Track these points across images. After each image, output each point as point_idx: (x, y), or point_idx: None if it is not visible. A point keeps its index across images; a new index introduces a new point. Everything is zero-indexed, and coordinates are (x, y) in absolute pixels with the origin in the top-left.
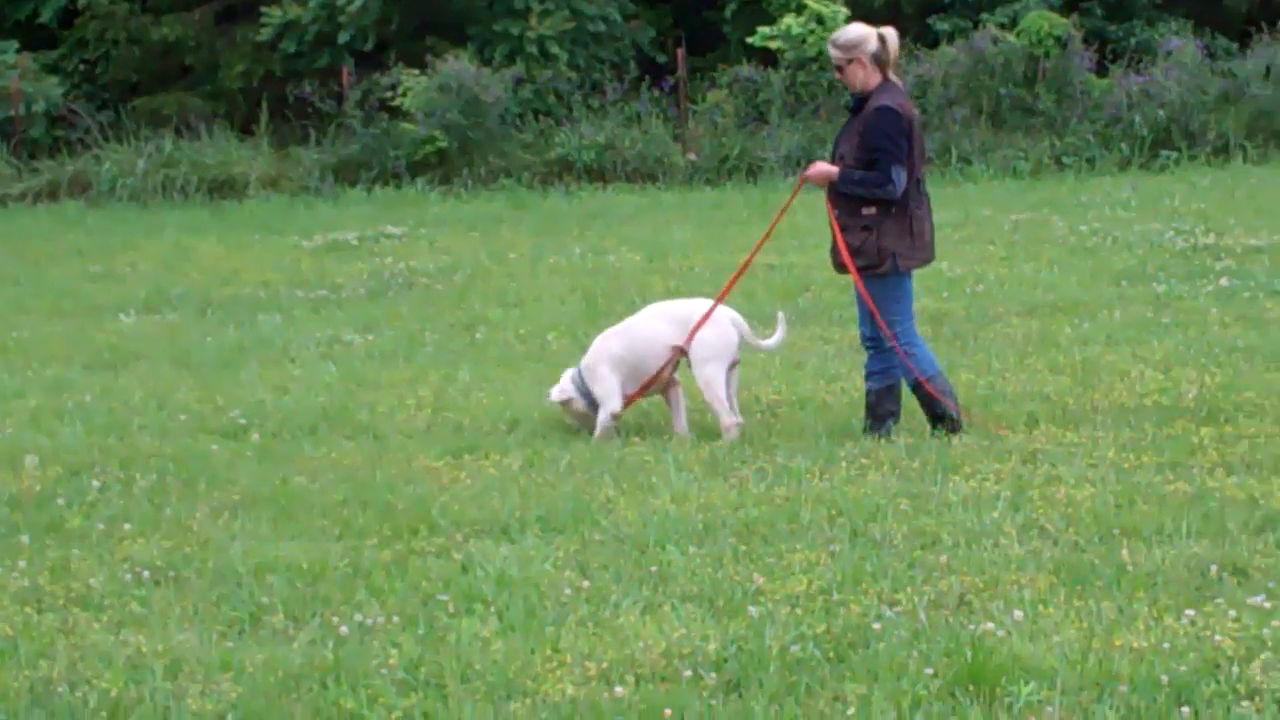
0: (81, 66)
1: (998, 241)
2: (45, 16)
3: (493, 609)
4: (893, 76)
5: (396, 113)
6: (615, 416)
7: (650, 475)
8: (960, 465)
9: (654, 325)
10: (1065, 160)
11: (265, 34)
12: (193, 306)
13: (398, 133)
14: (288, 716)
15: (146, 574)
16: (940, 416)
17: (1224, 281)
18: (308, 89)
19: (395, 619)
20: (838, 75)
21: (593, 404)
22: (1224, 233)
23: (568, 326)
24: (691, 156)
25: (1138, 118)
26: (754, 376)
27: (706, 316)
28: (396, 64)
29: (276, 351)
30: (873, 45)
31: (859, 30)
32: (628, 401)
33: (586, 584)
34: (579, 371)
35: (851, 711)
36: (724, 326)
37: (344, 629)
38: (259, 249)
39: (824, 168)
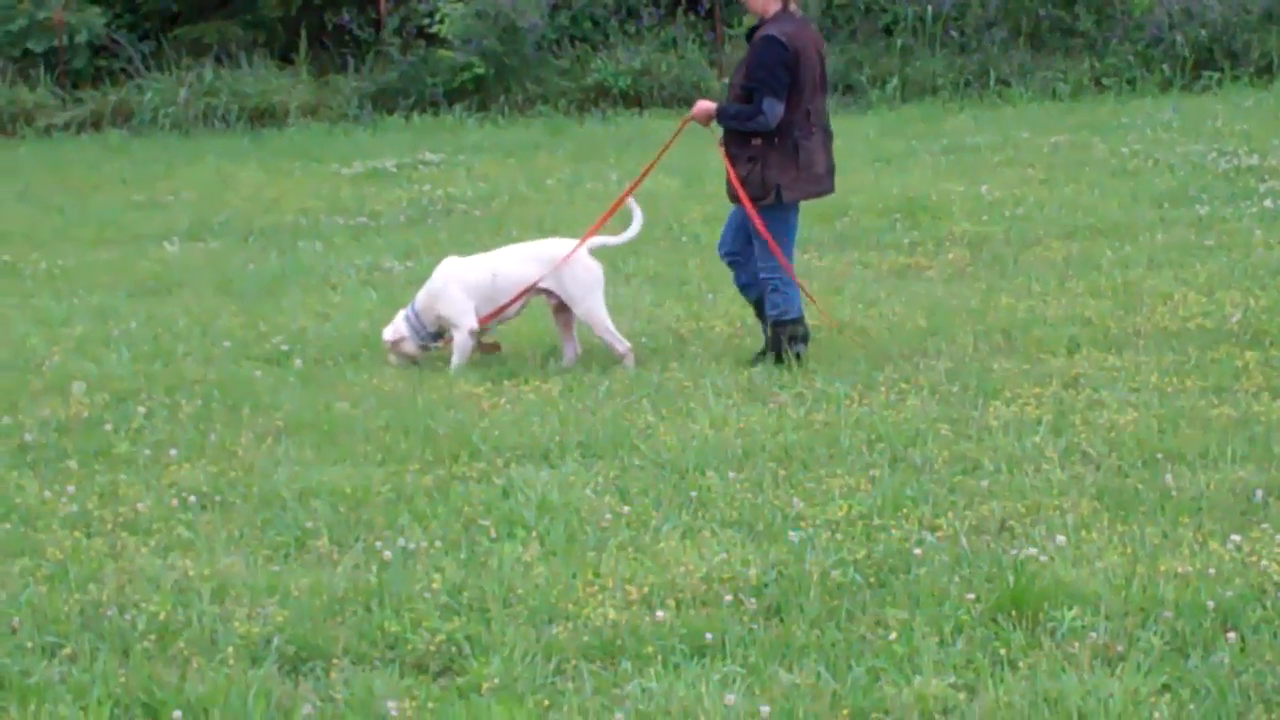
0: None
1: (1037, 164)
2: None
3: (534, 534)
4: (793, 7)
5: (434, 40)
6: (473, 334)
7: (689, 400)
8: (1000, 390)
9: (521, 264)
10: (1105, 81)
11: None
12: (234, 234)
13: (435, 60)
14: (332, 640)
15: (193, 499)
16: (779, 357)
17: (1268, 203)
18: (346, 17)
19: (437, 543)
20: None
21: (423, 344)
22: (1268, 154)
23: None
24: (726, 81)
25: (1179, 37)
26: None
27: (569, 255)
28: None
29: (317, 278)
30: None
31: None
32: (481, 323)
33: (626, 509)
34: (413, 309)
35: (893, 636)
36: (589, 261)
37: (387, 553)
38: (299, 177)
39: (705, 105)
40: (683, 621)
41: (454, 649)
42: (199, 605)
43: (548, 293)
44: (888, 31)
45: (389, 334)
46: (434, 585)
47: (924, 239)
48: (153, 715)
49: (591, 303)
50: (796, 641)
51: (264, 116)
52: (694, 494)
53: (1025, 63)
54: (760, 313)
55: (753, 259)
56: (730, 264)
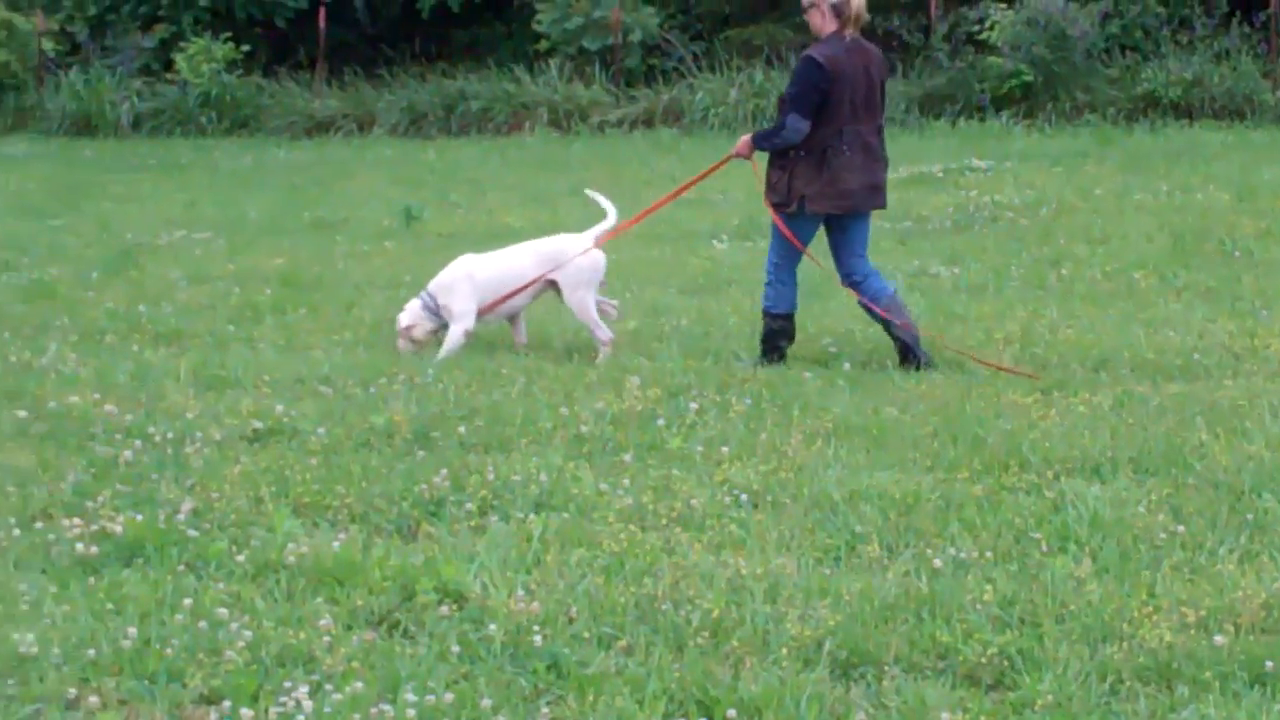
0: None
1: None
2: None
3: (1086, 549)
4: (849, 31)
5: (982, 46)
6: (468, 334)
7: (1244, 419)
8: None
9: (521, 260)
10: None
11: None
12: None
13: (984, 66)
14: (884, 646)
15: (744, 497)
16: (775, 350)
17: None
18: (895, 22)
19: (988, 554)
20: (804, 16)
21: (435, 329)
22: None
23: (1155, 265)
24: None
25: None
26: None
27: (583, 252)
28: None
29: None
30: None
31: None
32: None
33: (1181, 529)
34: (429, 294)
35: None
36: (596, 253)
37: (937, 562)
38: None
39: (745, 139)
40: (1242, 648)
41: (1006, 663)
42: (751, 604)
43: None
44: None
45: (405, 319)
46: (985, 597)
47: None
48: (707, 713)
49: (583, 294)
50: None
51: None
52: (1250, 516)
53: None
54: (888, 329)
55: (871, 274)
56: (850, 287)
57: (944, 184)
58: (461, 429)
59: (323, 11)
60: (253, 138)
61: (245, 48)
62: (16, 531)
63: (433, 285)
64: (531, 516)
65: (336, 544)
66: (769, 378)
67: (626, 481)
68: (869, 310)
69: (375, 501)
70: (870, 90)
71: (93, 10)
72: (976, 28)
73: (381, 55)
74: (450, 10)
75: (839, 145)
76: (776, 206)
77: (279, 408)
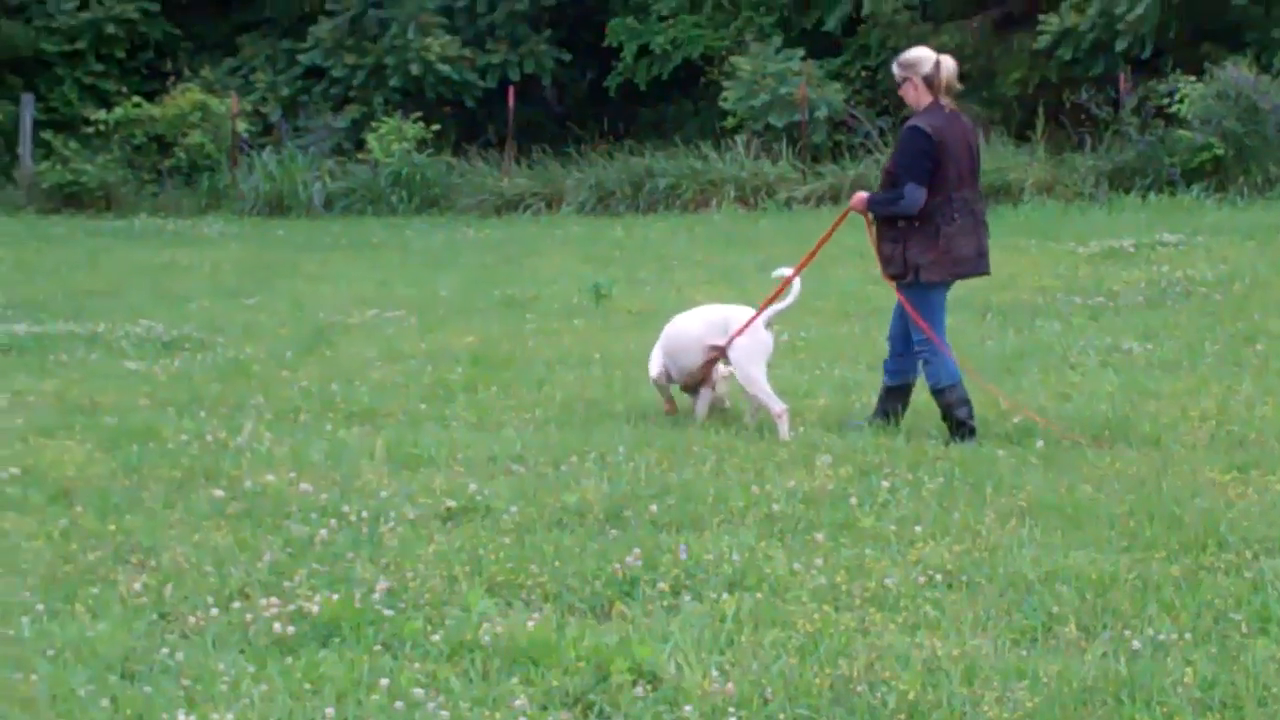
0: (863, 73)
1: None
2: (829, 24)
3: None
4: (944, 100)
5: (1172, 119)
6: (654, 382)
7: None
8: None
9: (693, 327)
10: None
11: (1042, 41)
12: (972, 309)
13: (1173, 140)
14: None
15: (939, 577)
16: (959, 423)
17: None
18: (1084, 95)
19: (1187, 636)
20: (899, 92)
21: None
22: None
23: None
24: None
25: None
26: None
27: (746, 326)
28: (1173, 70)
29: (1056, 358)
30: (926, 68)
31: (918, 52)
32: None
33: None
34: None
35: None
36: (760, 332)
37: (1136, 643)
38: (1035, 254)
39: (860, 195)
40: None
41: None
42: (948, 686)
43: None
44: None
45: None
46: (1185, 679)
47: None
48: None
49: (754, 370)
50: None
51: (999, 193)
52: None
53: None
54: (892, 393)
55: (905, 345)
56: (889, 346)
57: (1135, 259)
58: (653, 507)
59: (511, 91)
60: (443, 216)
61: (435, 127)
62: (214, 611)
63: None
64: (725, 596)
65: (531, 623)
66: (961, 456)
67: (820, 561)
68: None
69: (569, 580)
70: (972, 158)
71: (285, 92)
72: (1166, 101)
73: (569, 133)
74: (637, 88)
75: (950, 213)
76: (895, 279)
77: (472, 486)
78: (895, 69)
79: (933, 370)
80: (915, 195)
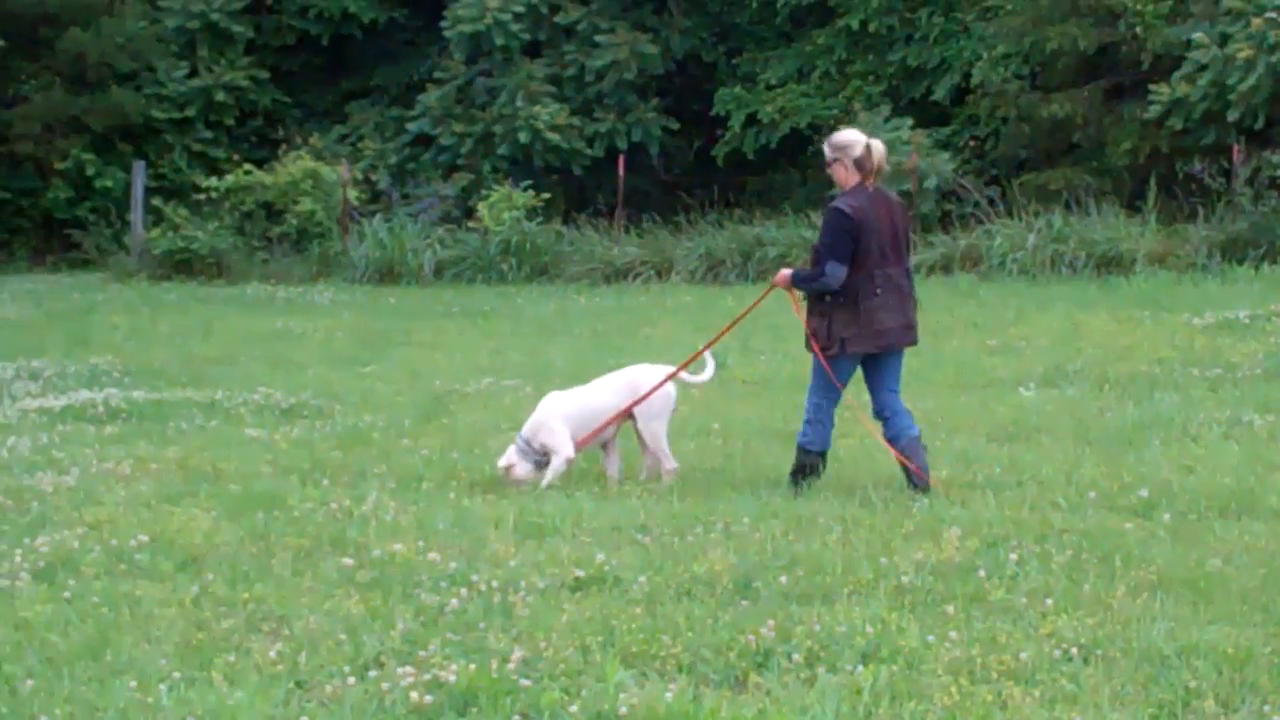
0: (972, 143)
1: None
2: (938, 94)
3: None
4: (871, 182)
5: None
6: (569, 461)
7: None
8: None
9: (604, 395)
10: None
11: (1153, 111)
12: (1089, 381)
13: None
14: None
15: (1073, 651)
16: (795, 476)
17: None
18: (1197, 166)
19: None
20: (828, 170)
21: (537, 466)
22: None
23: None
24: None
25: None
26: None
27: (656, 388)
28: None
29: (1177, 430)
30: (857, 151)
31: (850, 135)
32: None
33: None
34: (523, 438)
35: None
36: (669, 388)
37: (1276, 719)
38: (1149, 325)
39: (784, 272)
40: None
41: None
42: None
43: (631, 416)
44: None
45: (502, 461)
46: None
47: None
48: None
49: (657, 425)
50: None
51: (1111, 264)
52: None
53: None
54: (905, 469)
55: (900, 413)
56: (879, 420)
57: (1251, 330)
58: (783, 579)
59: (621, 159)
60: (552, 284)
61: (544, 195)
62: (351, 680)
63: (526, 428)
64: (860, 669)
65: (669, 694)
66: (1088, 528)
67: (953, 634)
68: (890, 447)
69: (702, 652)
70: (895, 235)
71: (393, 159)
72: (1279, 172)
73: (678, 202)
74: (744, 157)
75: (870, 288)
76: (823, 350)
77: (599, 556)
78: (826, 149)
79: (813, 431)
80: (835, 272)
